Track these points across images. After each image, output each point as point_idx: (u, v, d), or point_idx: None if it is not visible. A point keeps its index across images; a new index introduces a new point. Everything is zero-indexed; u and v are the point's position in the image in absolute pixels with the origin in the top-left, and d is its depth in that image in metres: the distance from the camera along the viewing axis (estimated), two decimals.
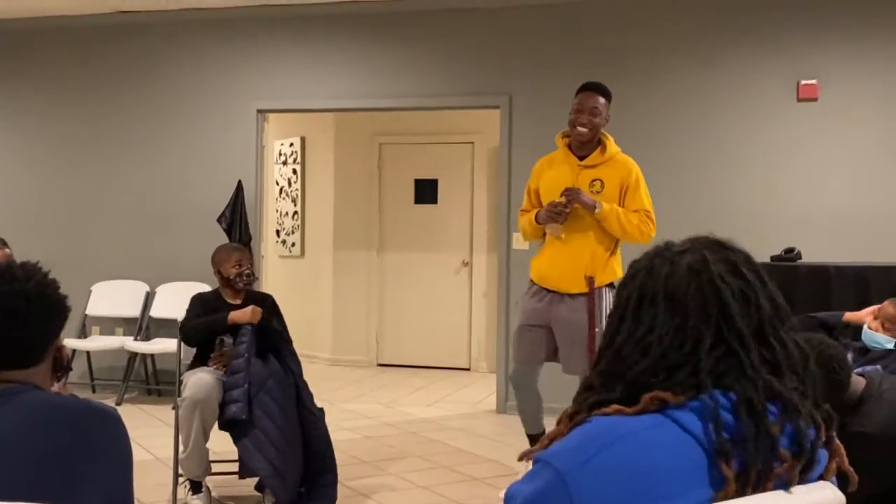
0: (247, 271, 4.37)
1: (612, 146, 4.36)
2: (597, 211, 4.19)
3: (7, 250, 4.87)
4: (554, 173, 4.40)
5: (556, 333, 4.32)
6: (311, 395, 4.26)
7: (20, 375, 1.67)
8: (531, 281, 4.44)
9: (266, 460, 3.91)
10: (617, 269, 4.34)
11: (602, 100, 4.32)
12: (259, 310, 4.23)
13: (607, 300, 4.24)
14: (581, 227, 4.27)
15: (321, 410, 4.26)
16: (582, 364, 4.23)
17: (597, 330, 4.18)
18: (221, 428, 4.06)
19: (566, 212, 4.22)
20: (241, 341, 4.12)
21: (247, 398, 3.95)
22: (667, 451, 1.14)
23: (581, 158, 4.35)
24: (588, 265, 4.25)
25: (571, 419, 1.27)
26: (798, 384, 1.23)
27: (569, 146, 4.40)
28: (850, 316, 3.97)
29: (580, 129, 4.28)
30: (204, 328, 4.27)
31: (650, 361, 1.22)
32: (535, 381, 4.43)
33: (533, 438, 4.48)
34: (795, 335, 1.27)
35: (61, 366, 1.82)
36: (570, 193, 4.22)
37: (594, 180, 4.30)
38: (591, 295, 4.22)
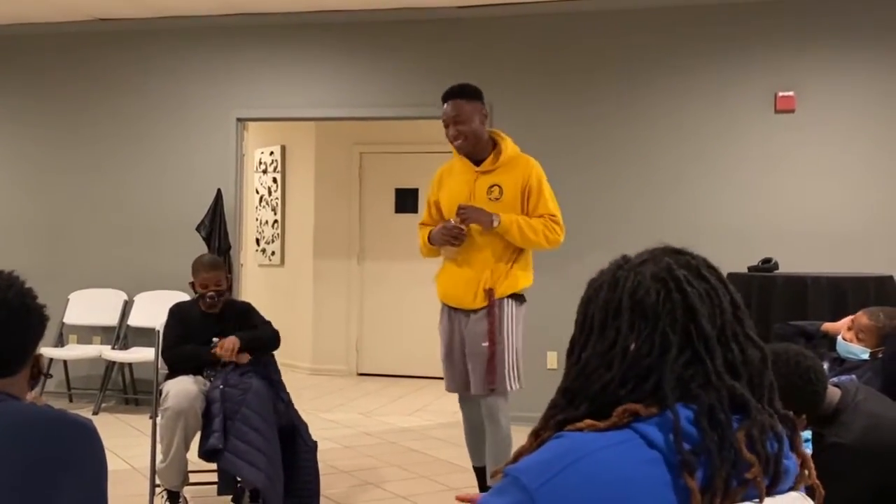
0: (211, 293, 4.32)
1: (508, 147, 4.08)
2: (495, 225, 3.93)
3: None
4: (453, 183, 4.14)
5: (465, 352, 4.07)
6: (305, 425, 4.27)
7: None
8: (441, 302, 4.21)
9: (259, 470, 3.89)
10: (520, 278, 4.07)
11: (464, 103, 4.01)
12: (246, 357, 4.23)
13: (509, 311, 4.02)
14: (479, 243, 4.00)
15: (315, 444, 4.26)
16: (481, 383, 3.98)
17: (496, 346, 3.95)
18: (201, 457, 4.02)
19: (462, 234, 3.97)
20: (216, 373, 4.15)
21: (223, 427, 3.95)
22: (634, 468, 1.14)
23: (477, 164, 4.08)
24: (488, 278, 3.99)
25: (537, 436, 1.27)
26: (756, 388, 1.24)
27: (467, 155, 4.13)
28: (827, 326, 4.00)
29: (455, 143, 4.05)
30: (187, 361, 4.26)
31: (615, 374, 1.23)
32: (479, 409, 4.14)
33: (479, 471, 4.29)
34: (755, 335, 1.28)
35: (38, 374, 1.81)
36: (465, 213, 3.96)
37: (492, 186, 4.02)
38: (491, 307, 3.97)
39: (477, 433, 4.23)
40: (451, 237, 3.99)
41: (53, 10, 7.01)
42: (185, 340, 4.32)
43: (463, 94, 4.07)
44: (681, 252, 1.32)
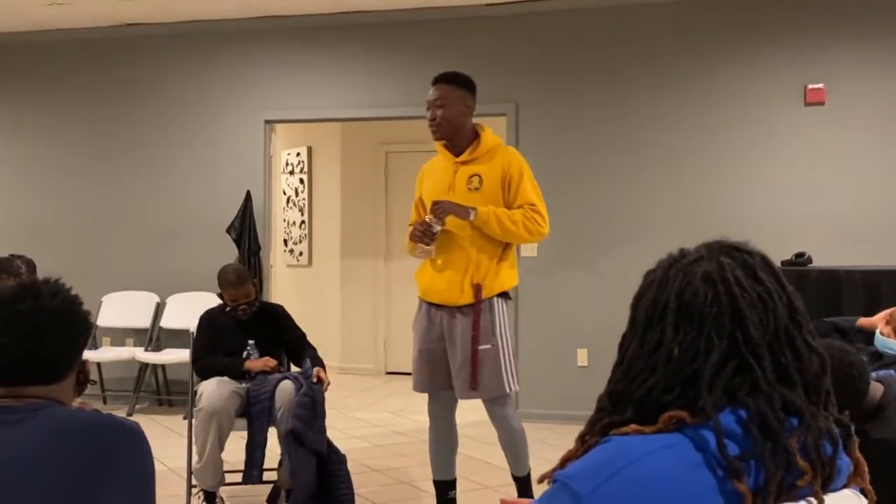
0: (242, 306, 4.37)
1: (488, 138, 3.94)
2: (472, 218, 3.76)
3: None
4: (433, 176, 4.04)
5: (447, 352, 3.90)
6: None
7: (44, 391, 1.69)
8: (419, 298, 4.04)
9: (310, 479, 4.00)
10: (508, 276, 3.92)
11: (450, 89, 3.90)
12: (273, 361, 4.32)
13: (500, 311, 3.87)
14: (458, 238, 3.85)
15: (344, 456, 4.31)
16: (465, 382, 3.82)
17: (489, 346, 3.79)
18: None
19: (434, 231, 3.78)
20: (259, 399, 4.19)
21: (262, 464, 4.16)
22: (682, 472, 1.12)
23: (458, 155, 3.95)
24: (474, 273, 3.83)
25: (584, 441, 1.26)
26: (812, 394, 1.21)
27: (445, 146, 4.01)
28: (863, 321, 3.96)
29: (430, 126, 3.92)
30: (217, 372, 4.31)
31: (659, 379, 1.20)
32: (451, 412, 4.05)
33: (440, 486, 4.13)
34: (815, 341, 1.25)
35: (84, 381, 1.83)
36: (438, 207, 3.79)
37: (472, 176, 3.88)
38: (478, 304, 3.80)
39: (444, 441, 4.09)
40: (420, 234, 3.82)
41: (81, 14, 7.08)
42: (215, 348, 4.38)
43: (451, 80, 3.97)
44: (738, 249, 1.27)
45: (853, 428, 1.27)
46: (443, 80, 3.96)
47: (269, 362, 4.29)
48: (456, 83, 3.94)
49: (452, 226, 3.84)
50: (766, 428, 1.15)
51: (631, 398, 1.23)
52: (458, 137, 3.95)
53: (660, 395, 1.20)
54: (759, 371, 1.18)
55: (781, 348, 1.20)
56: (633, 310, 1.30)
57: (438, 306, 3.94)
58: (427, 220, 3.82)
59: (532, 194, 3.88)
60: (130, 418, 1.79)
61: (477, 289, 3.81)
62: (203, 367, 4.35)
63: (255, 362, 4.29)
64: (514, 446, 3.99)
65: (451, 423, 4.10)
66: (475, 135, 3.97)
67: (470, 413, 6.86)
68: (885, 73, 6.08)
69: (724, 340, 1.19)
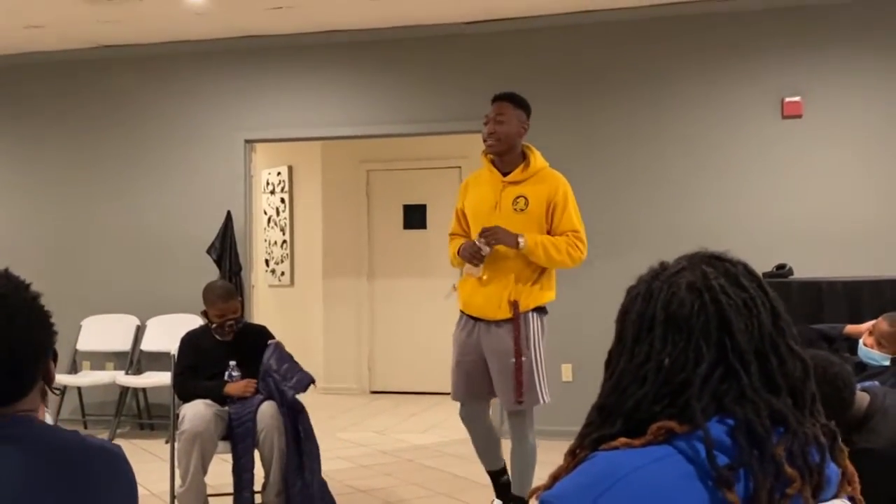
0: (229, 322, 4.35)
1: (537, 160, 4.08)
2: (521, 247, 3.92)
3: None
4: (478, 192, 4.14)
5: (488, 364, 4.06)
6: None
7: (10, 409, 1.58)
8: (460, 311, 4.21)
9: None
10: (544, 294, 4.08)
11: (511, 107, 4.05)
12: (252, 383, 4.29)
13: (535, 326, 4.02)
14: (502, 260, 3.99)
15: (324, 482, 4.36)
16: (509, 396, 3.97)
17: (523, 359, 3.94)
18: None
19: (482, 255, 3.94)
20: (242, 421, 4.19)
21: (252, 486, 4.17)
22: (672, 484, 1.12)
23: (505, 175, 4.07)
24: (512, 290, 3.99)
25: (574, 456, 1.24)
26: (798, 400, 1.21)
27: (493, 162, 4.13)
28: (850, 329, 3.99)
29: (486, 141, 4.06)
30: (198, 396, 4.30)
31: (649, 390, 1.20)
32: (485, 416, 4.20)
33: (493, 475, 4.27)
34: (798, 346, 1.25)
35: (49, 382, 1.69)
36: (489, 234, 3.93)
37: (518, 197, 4.01)
38: (517, 320, 3.95)
39: (484, 437, 4.20)
40: (469, 255, 3.99)
41: (60, 38, 7.04)
42: (196, 370, 4.35)
43: (511, 98, 4.12)
44: (719, 258, 1.28)
45: (839, 435, 1.26)
46: (504, 98, 4.11)
47: (249, 387, 4.26)
48: (516, 103, 4.10)
49: (498, 248, 3.98)
50: (753, 436, 1.15)
51: (620, 411, 1.22)
52: (510, 154, 4.08)
53: (649, 407, 1.19)
54: (745, 378, 1.18)
55: (767, 354, 1.20)
56: (620, 324, 1.29)
57: (477, 319, 4.08)
58: (477, 242, 3.96)
59: (576, 220, 4.04)
60: (111, 441, 1.73)
61: (514, 305, 3.96)
62: (183, 390, 4.33)
63: (235, 387, 4.26)
64: (523, 462, 4.06)
65: (488, 423, 4.23)
66: (524, 156, 4.10)
67: (455, 432, 6.85)
68: (861, 85, 6.14)
69: (712, 348, 1.19)
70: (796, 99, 6.20)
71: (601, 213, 6.49)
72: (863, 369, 3.62)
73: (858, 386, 2.62)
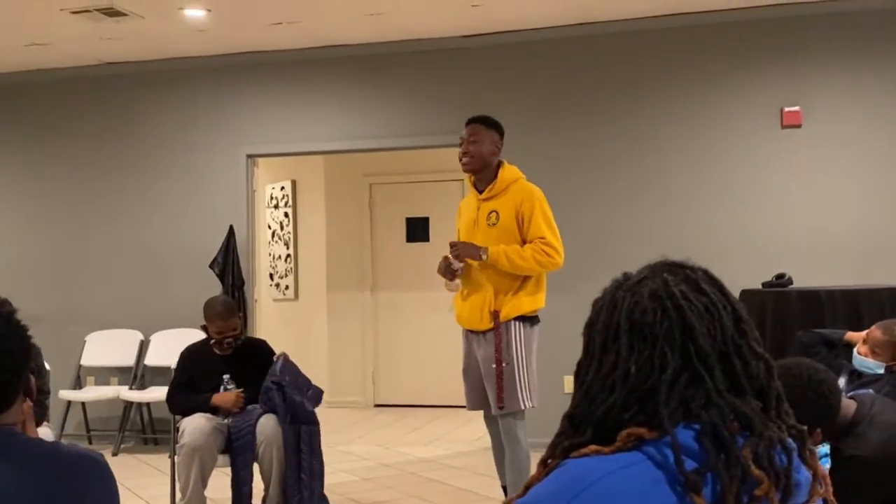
0: (227, 339, 4.38)
1: (507, 174, 4.30)
2: (484, 258, 4.14)
3: None
4: (465, 211, 4.46)
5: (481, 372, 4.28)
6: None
7: None
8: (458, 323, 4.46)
9: None
10: (525, 302, 4.23)
11: (483, 129, 4.30)
12: (241, 397, 4.31)
13: (516, 333, 4.18)
14: (477, 273, 4.23)
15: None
16: (493, 401, 4.17)
17: (504, 365, 4.12)
18: None
19: (453, 269, 4.19)
20: (241, 434, 4.22)
21: (250, 499, 4.21)
22: (641, 490, 1.13)
23: (481, 192, 4.34)
24: (491, 301, 4.19)
25: (545, 465, 1.26)
26: (764, 401, 1.22)
27: (473, 183, 4.40)
28: (851, 335, 3.98)
29: (462, 159, 4.31)
30: (185, 410, 4.36)
31: (617, 398, 1.21)
32: (496, 425, 4.31)
33: (505, 489, 4.38)
34: (760, 347, 1.26)
35: (30, 393, 1.71)
36: (456, 249, 4.22)
37: (491, 212, 4.27)
38: (497, 329, 4.16)
39: (500, 450, 4.35)
40: (444, 271, 4.24)
41: (62, 56, 7.10)
42: (191, 384, 4.38)
43: (484, 121, 4.37)
44: (680, 265, 1.30)
45: (806, 436, 1.26)
46: (476, 120, 4.38)
47: (239, 400, 4.27)
48: (487, 124, 4.35)
49: (473, 262, 4.22)
50: (719, 440, 1.16)
51: (591, 419, 1.23)
52: (485, 172, 4.31)
53: (618, 414, 1.21)
54: (710, 382, 1.19)
55: (730, 357, 1.22)
56: (587, 336, 1.32)
57: (470, 331, 4.34)
58: (448, 256, 4.23)
59: (544, 228, 4.20)
60: (106, 456, 1.73)
61: (495, 315, 4.17)
62: (173, 404, 4.41)
63: (222, 398, 4.27)
64: (516, 466, 4.15)
65: (499, 432, 4.33)
66: (496, 172, 4.32)
67: (455, 444, 6.85)
68: (860, 95, 6.14)
69: (677, 354, 1.20)
70: (796, 109, 6.20)
71: (603, 226, 6.51)
72: (859, 377, 3.61)
73: (849, 394, 2.62)
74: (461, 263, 4.20)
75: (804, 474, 1.23)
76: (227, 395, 4.28)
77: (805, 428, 1.28)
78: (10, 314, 1.65)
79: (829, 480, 1.27)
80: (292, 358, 4.55)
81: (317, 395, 4.37)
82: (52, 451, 1.62)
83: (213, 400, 4.27)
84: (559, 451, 1.25)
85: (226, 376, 4.30)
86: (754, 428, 1.19)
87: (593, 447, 1.20)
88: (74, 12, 5.93)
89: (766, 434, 1.19)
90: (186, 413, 4.30)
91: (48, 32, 6.47)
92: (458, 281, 4.25)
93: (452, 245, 4.25)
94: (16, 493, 1.53)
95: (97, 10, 5.87)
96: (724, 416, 1.18)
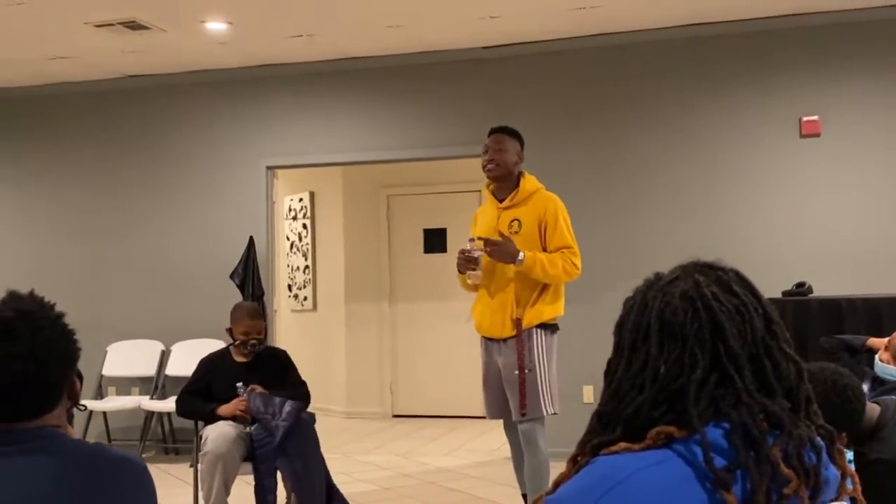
0: (252, 341, 4.43)
1: (528, 184, 4.36)
2: (519, 263, 4.14)
3: None
4: (483, 220, 4.47)
5: (503, 380, 4.30)
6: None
7: (38, 422, 1.63)
8: (477, 332, 4.47)
9: None
10: (546, 311, 4.26)
11: (507, 138, 4.37)
12: (244, 402, 4.30)
13: (538, 340, 4.22)
14: (502, 280, 4.24)
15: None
16: (515, 407, 4.18)
17: (527, 371, 4.15)
18: None
19: (475, 256, 4.18)
20: (263, 443, 4.22)
21: (275, 490, 4.20)
22: (672, 487, 1.14)
23: (501, 201, 4.37)
24: (514, 309, 4.21)
25: (575, 462, 1.27)
26: (793, 402, 1.23)
27: (493, 192, 4.44)
28: (873, 341, 3.98)
29: (487, 167, 4.34)
30: (191, 414, 4.50)
31: (647, 397, 1.22)
32: (517, 433, 4.32)
33: (525, 497, 4.39)
34: (790, 349, 1.27)
35: (74, 397, 1.75)
36: (492, 249, 4.19)
37: (512, 220, 4.30)
38: (519, 336, 4.18)
39: (520, 458, 4.35)
40: (464, 261, 4.23)
41: (85, 68, 7.19)
42: (206, 391, 4.42)
43: (506, 130, 4.43)
44: (711, 267, 1.32)
45: (835, 435, 1.28)
46: (500, 130, 4.43)
47: (240, 405, 4.28)
48: (511, 134, 4.41)
49: (500, 267, 4.23)
50: (749, 439, 1.17)
51: (620, 417, 1.25)
52: (507, 181, 4.37)
53: (648, 413, 1.22)
54: (739, 382, 1.21)
55: (760, 358, 1.23)
56: (617, 335, 1.33)
57: (490, 339, 4.35)
58: (469, 245, 4.23)
59: (568, 237, 4.26)
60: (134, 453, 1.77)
61: (517, 323, 4.19)
62: (180, 405, 4.50)
63: (226, 408, 4.30)
64: (535, 474, 4.17)
65: (519, 441, 4.34)
66: (517, 181, 4.38)
67: (474, 454, 6.85)
68: (879, 103, 6.14)
69: (707, 354, 1.22)
70: (814, 118, 6.20)
71: (622, 235, 6.52)
72: (882, 383, 3.61)
73: (872, 399, 2.62)
74: (480, 252, 4.17)
75: (833, 472, 1.24)
76: (229, 405, 4.31)
77: (833, 428, 1.29)
78: (59, 317, 1.69)
79: (857, 479, 1.28)
80: (311, 368, 4.59)
81: (291, 414, 4.20)
82: (95, 453, 1.65)
83: (220, 410, 4.30)
84: (589, 448, 1.26)
85: (239, 384, 4.33)
86: (784, 427, 1.20)
87: (623, 444, 1.21)
88: (97, 26, 6.01)
89: (796, 433, 1.20)
90: (191, 416, 4.36)
91: (71, 46, 6.55)
92: (479, 271, 4.21)
93: (487, 242, 4.18)
94: (59, 490, 1.56)
95: (120, 23, 5.94)
96: (753, 416, 1.19)
